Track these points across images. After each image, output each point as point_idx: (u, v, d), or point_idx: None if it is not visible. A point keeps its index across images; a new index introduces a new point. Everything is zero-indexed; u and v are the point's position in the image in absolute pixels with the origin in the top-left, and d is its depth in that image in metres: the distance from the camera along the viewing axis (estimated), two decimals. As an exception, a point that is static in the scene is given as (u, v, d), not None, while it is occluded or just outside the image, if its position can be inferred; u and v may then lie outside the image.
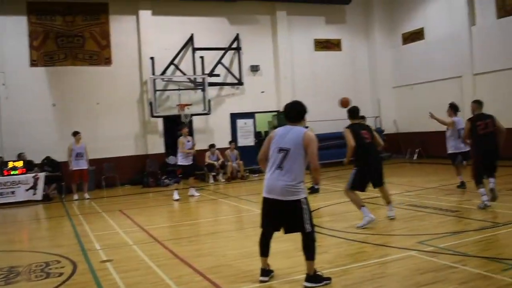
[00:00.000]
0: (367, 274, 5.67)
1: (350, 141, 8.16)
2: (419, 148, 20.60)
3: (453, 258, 6.02)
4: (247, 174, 17.72)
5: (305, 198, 5.37)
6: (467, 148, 10.90)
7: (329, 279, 5.42)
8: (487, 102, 10.44)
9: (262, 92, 20.25)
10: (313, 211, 9.69)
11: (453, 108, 11.64)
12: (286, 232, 5.50)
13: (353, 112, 8.56)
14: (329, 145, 17.60)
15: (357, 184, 8.26)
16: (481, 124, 9.25)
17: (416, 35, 21.37)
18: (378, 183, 8.44)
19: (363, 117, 15.18)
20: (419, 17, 21.13)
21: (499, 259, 5.89)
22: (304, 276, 5.39)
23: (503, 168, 12.69)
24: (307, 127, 12.57)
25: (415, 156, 20.66)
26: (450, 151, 11.64)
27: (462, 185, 11.64)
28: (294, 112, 5.60)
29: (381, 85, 22.47)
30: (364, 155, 8.18)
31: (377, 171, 8.39)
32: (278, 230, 5.54)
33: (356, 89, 21.84)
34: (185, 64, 19.07)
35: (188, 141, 13.46)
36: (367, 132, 8.31)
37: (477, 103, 9.67)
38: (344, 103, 10.56)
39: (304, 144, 5.32)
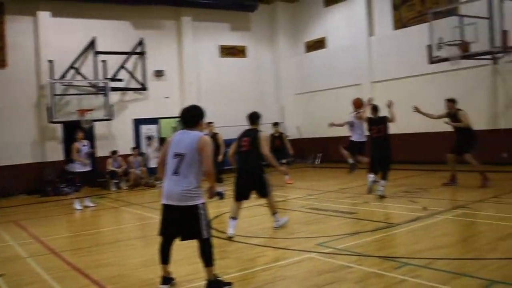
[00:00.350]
0: (268, 277, 5.74)
1: (230, 149, 8.45)
2: (321, 153, 21.24)
3: (350, 259, 6.24)
4: (152, 181, 17.39)
5: (203, 203, 5.34)
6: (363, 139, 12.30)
7: (229, 284, 5.43)
8: (383, 109, 11.12)
9: (167, 97, 20.02)
10: (217, 216, 9.76)
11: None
12: (184, 239, 5.44)
13: (249, 118, 8.32)
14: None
15: (236, 194, 8.09)
16: (374, 129, 10.58)
17: (318, 44, 22.08)
18: (260, 194, 8.18)
19: (276, 124, 15.73)
20: (321, 27, 21.86)
21: (392, 257, 6.18)
22: (205, 282, 5.35)
23: (398, 172, 13.41)
24: (216, 133, 12.70)
25: (318, 161, 21.29)
26: (354, 139, 12.42)
27: (353, 166, 12.50)
28: (190, 117, 5.54)
29: (285, 91, 22.98)
30: (239, 163, 8.17)
31: (253, 181, 8.09)
32: (176, 237, 5.48)
33: (261, 96, 22.23)
34: (87, 68, 18.44)
35: (84, 145, 12.91)
36: (247, 140, 8.07)
37: (374, 109, 10.97)
38: (356, 103, 11.75)
39: (198, 148, 5.28)
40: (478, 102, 15.71)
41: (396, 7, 18.61)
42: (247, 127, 8.33)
